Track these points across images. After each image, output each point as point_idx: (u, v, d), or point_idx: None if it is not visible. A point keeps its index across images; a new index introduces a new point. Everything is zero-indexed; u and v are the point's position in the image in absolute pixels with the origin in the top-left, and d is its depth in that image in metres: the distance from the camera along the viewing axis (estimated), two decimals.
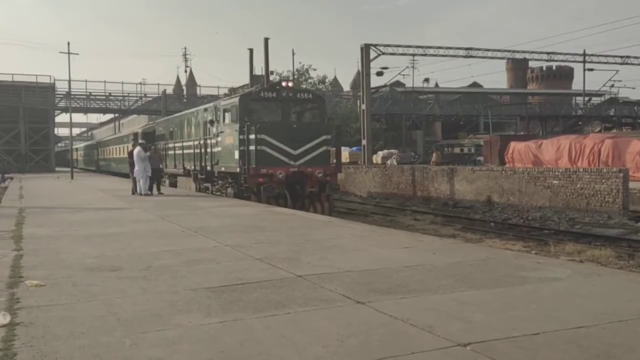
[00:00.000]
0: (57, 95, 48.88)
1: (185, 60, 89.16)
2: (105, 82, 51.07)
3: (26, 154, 47.60)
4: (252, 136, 15.14)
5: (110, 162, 41.41)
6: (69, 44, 33.45)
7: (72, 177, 31.54)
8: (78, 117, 74.05)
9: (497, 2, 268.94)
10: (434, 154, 34.05)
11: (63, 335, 3.74)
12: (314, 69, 62.92)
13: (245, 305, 4.45)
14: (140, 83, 53.59)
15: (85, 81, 49.70)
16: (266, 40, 21.30)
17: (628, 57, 43.78)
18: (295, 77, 48.48)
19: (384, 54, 34.22)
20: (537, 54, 42.02)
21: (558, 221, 17.03)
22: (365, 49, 32.97)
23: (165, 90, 47.87)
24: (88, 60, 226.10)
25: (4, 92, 46.36)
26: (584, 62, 47.13)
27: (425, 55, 37.01)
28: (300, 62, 75.20)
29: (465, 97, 66.70)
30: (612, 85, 61.20)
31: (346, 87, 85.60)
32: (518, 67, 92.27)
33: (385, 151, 42.75)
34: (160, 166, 19.78)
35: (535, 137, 39.31)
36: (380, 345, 3.51)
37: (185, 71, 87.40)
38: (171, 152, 22.93)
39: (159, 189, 18.23)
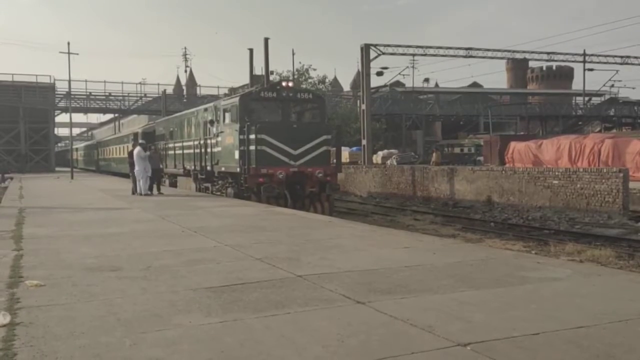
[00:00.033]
0: (57, 95, 48.87)
1: (185, 60, 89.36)
2: (105, 82, 51.17)
3: (26, 154, 47.60)
4: (252, 136, 15.14)
5: (110, 162, 41.42)
6: (69, 44, 33.50)
7: (72, 177, 31.54)
8: (78, 117, 74.16)
9: (497, 2, 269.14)
10: (434, 154, 34.04)
11: (63, 335, 3.74)
12: (314, 69, 63.01)
13: (245, 305, 4.45)
14: (140, 83, 53.66)
15: (85, 81, 49.79)
16: (266, 40, 21.31)
17: (628, 57, 43.80)
18: (295, 77, 48.49)
19: (384, 54, 34.23)
20: (537, 54, 42.03)
21: (558, 221, 17.03)
22: (365, 49, 32.97)
23: (165, 90, 47.89)
24: (88, 60, 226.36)
25: (4, 92, 46.36)
26: (584, 62, 47.14)
27: (425, 55, 37.02)
28: (300, 62, 75.35)
29: (465, 97, 66.70)
30: (612, 85, 61.28)
31: (346, 87, 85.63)
32: (518, 67, 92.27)
33: (385, 151, 42.75)
34: (160, 166, 19.78)
35: (535, 137, 39.31)
36: (380, 345, 3.51)
37: (185, 71, 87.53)
38: (171, 152, 22.92)
39: (159, 189, 18.23)
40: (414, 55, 39.52)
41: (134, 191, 17.50)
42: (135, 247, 7.33)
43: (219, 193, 17.81)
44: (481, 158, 37.83)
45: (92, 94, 50.82)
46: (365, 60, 32.95)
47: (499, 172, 21.89)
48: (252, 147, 15.12)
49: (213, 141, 17.64)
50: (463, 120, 61.57)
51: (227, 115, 16.69)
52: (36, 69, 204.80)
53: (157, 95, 50.50)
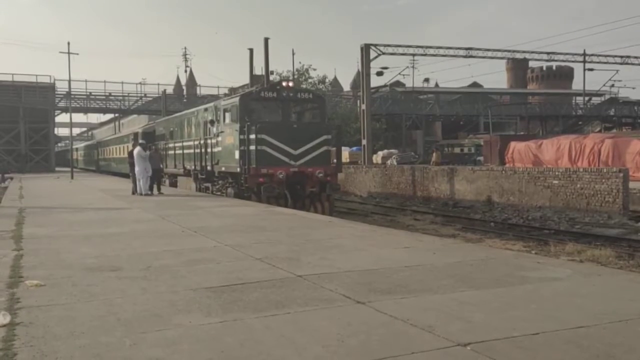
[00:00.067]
0: (57, 95, 48.86)
1: (185, 60, 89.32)
2: (105, 82, 51.12)
3: (26, 154, 47.60)
4: (253, 136, 15.14)
5: (110, 162, 41.42)
6: (69, 44, 33.49)
7: (72, 177, 31.54)
8: (78, 117, 74.12)
9: (497, 2, 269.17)
10: (434, 154, 34.04)
11: (63, 335, 3.74)
12: (314, 69, 63.02)
13: (245, 305, 4.45)
14: (140, 83, 53.64)
15: (85, 81, 49.75)
16: (266, 40, 21.31)
17: (628, 57, 43.79)
18: (295, 77, 48.50)
19: (384, 54, 34.23)
20: (537, 54, 42.02)
21: (558, 221, 17.03)
22: (365, 49, 32.97)
23: (165, 90, 47.87)
24: (88, 60, 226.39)
25: (4, 92, 46.36)
26: (584, 62, 47.14)
27: (425, 55, 37.02)
28: (300, 62, 75.39)
29: (465, 97, 66.69)
30: (612, 85, 61.31)
31: (346, 87, 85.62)
32: (518, 67, 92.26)
33: (385, 151, 42.74)
34: (161, 166, 19.78)
35: (535, 137, 39.31)
36: (380, 345, 3.51)
37: (185, 71, 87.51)
38: (171, 152, 22.92)
39: (159, 189, 18.23)
40: (414, 55, 39.55)
41: (134, 191, 17.50)
42: (135, 247, 7.33)
43: (219, 193, 17.81)
44: (481, 158, 37.82)
45: (92, 94, 50.81)
46: (365, 60, 32.95)
47: (499, 172, 21.89)
48: (253, 147, 15.12)
49: (213, 141, 17.64)
50: (463, 120, 61.55)
51: (228, 115, 16.69)
52: (36, 69, 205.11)
53: (157, 95, 50.49)
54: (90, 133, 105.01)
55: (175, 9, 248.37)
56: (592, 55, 45.80)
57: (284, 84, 17.23)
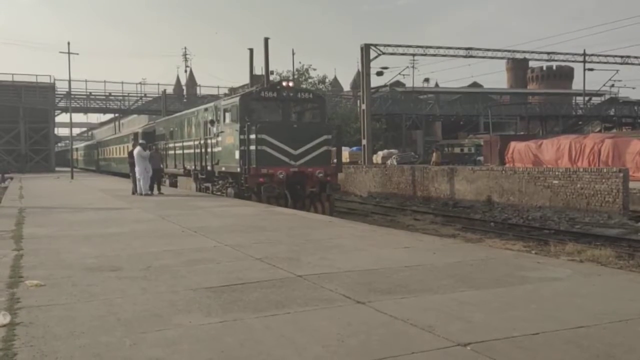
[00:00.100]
0: (57, 95, 48.87)
1: (185, 60, 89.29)
2: (105, 82, 51.13)
3: (26, 154, 47.61)
4: (253, 136, 15.14)
5: (110, 162, 41.43)
6: (69, 44, 33.48)
7: (72, 177, 31.54)
8: (78, 117, 74.19)
9: (497, 2, 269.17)
10: (434, 154, 34.04)
11: (63, 335, 3.74)
12: (314, 69, 63.03)
13: (245, 305, 4.45)
14: (140, 83, 53.65)
15: (85, 81, 49.76)
16: (266, 40, 21.31)
17: (628, 57, 43.77)
18: (295, 77, 48.51)
19: (384, 54, 34.22)
20: (537, 54, 42.01)
21: (558, 221, 17.03)
22: (365, 49, 32.97)
23: (165, 90, 47.87)
24: (88, 60, 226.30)
25: (4, 92, 46.37)
26: (584, 62, 47.13)
27: (425, 55, 37.01)
28: (300, 62, 75.42)
29: (465, 97, 66.70)
30: (612, 85, 61.30)
31: (346, 87, 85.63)
32: (518, 67, 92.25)
33: (385, 151, 42.75)
34: (161, 166, 19.78)
35: (535, 137, 39.31)
36: (380, 345, 3.51)
37: (185, 71, 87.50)
38: (171, 152, 22.92)
39: (159, 189, 18.23)
40: (414, 55, 39.54)
41: (134, 191, 17.50)
42: (136, 247, 7.34)
43: (219, 193, 17.81)
44: (481, 158, 37.83)
45: (92, 94, 50.82)
46: (365, 60, 32.95)
47: (499, 172, 21.90)
48: (253, 147, 15.12)
49: (213, 141, 17.64)
50: (463, 120, 61.57)
51: (228, 115, 16.69)
52: (36, 69, 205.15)
53: (157, 95, 50.50)
54: (90, 133, 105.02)
55: (175, 9, 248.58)
56: (592, 55, 45.81)
57: (284, 84, 17.23)
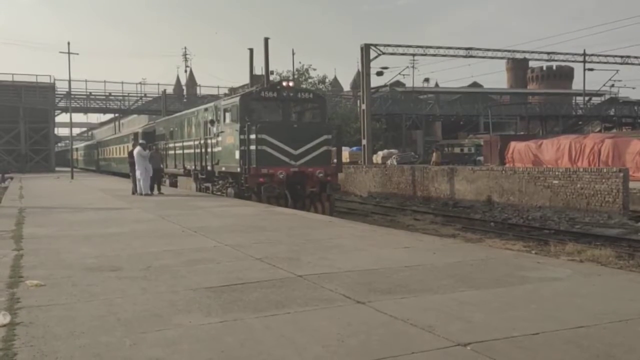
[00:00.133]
0: (57, 95, 48.89)
1: (185, 60, 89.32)
2: (105, 82, 51.16)
3: (26, 154, 47.61)
4: (253, 136, 15.14)
5: (110, 162, 41.43)
6: (69, 44, 33.50)
7: (72, 177, 31.55)
8: (78, 117, 74.15)
9: (497, 2, 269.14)
10: (434, 154, 34.04)
11: (63, 335, 3.74)
12: (314, 69, 62.98)
13: (246, 305, 4.45)
14: (140, 83, 53.66)
15: (85, 81, 49.78)
16: (266, 40, 21.29)
17: (628, 57, 43.77)
18: (295, 77, 48.48)
19: (384, 53, 34.22)
20: (537, 54, 42.00)
21: (558, 221, 17.03)
22: (365, 49, 32.97)
23: (165, 90, 47.86)
24: (88, 60, 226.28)
25: (4, 92, 46.37)
26: (584, 62, 47.13)
27: (425, 55, 37.00)
28: (300, 62, 75.39)
29: (465, 97, 66.73)
30: (612, 85, 61.31)
31: (346, 87, 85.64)
32: (518, 67, 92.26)
33: (385, 151, 42.75)
34: (161, 166, 19.79)
35: (535, 137, 39.30)
36: (380, 345, 3.51)
37: (185, 71, 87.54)
38: (171, 152, 22.93)
39: (159, 189, 18.23)
40: (414, 55, 39.53)
41: (134, 191, 17.51)
42: (135, 247, 7.34)
43: (219, 193, 17.81)
44: (481, 158, 37.82)
45: (92, 94, 50.83)
46: (365, 60, 32.95)
47: (499, 172, 21.90)
48: (253, 147, 15.12)
49: (213, 141, 17.64)
50: (463, 120, 61.58)
51: (228, 115, 16.69)
52: (36, 69, 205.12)
53: (157, 95, 50.50)
54: (90, 133, 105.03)
55: (175, 9, 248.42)
56: (592, 55, 45.81)
57: (284, 83, 17.22)
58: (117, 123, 68.24)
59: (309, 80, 51.33)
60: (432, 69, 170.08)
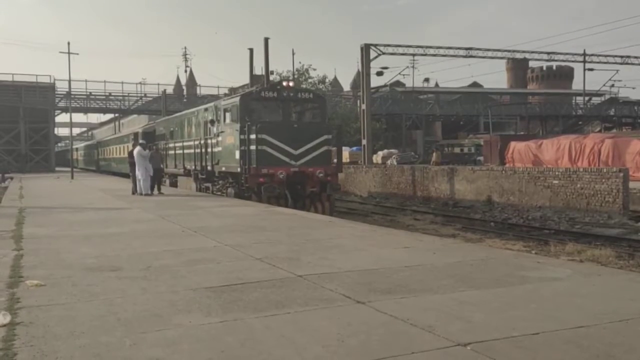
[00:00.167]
0: (57, 95, 48.89)
1: (185, 60, 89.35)
2: (105, 82, 51.17)
3: (26, 154, 47.62)
4: (253, 136, 15.14)
5: (110, 162, 41.43)
6: (69, 44, 33.47)
7: (72, 177, 31.55)
8: (78, 117, 74.11)
9: (497, 2, 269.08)
10: (434, 154, 34.07)
11: (63, 335, 3.75)
12: (314, 69, 62.96)
13: (246, 305, 4.45)
14: (140, 83, 53.67)
15: (85, 81, 49.79)
16: (266, 40, 21.30)
17: (628, 57, 43.77)
18: (295, 77, 48.47)
19: (384, 53, 34.22)
20: (537, 54, 41.99)
21: (558, 221, 17.03)
22: (365, 49, 32.97)
23: (165, 90, 47.88)
24: (88, 60, 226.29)
25: (4, 92, 46.37)
26: (584, 62, 47.14)
27: (425, 55, 37.01)
28: (300, 62, 75.38)
29: (465, 97, 66.74)
30: (612, 85, 61.32)
31: (346, 87, 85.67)
32: (518, 67, 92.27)
33: (385, 151, 42.78)
34: (161, 166, 19.79)
35: (535, 137, 39.31)
36: (381, 345, 3.51)
37: (185, 71, 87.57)
38: (171, 152, 22.93)
39: (159, 189, 18.23)
40: (414, 55, 39.53)
41: (134, 191, 17.51)
42: (136, 247, 7.34)
43: (219, 193, 17.81)
44: (481, 158, 37.84)
45: (92, 94, 50.84)
46: (365, 60, 32.95)
47: (499, 172, 21.90)
48: (253, 147, 15.12)
49: (213, 141, 17.64)
50: (463, 120, 61.60)
51: (228, 115, 16.69)
52: (36, 69, 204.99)
53: (157, 95, 50.51)
54: (90, 133, 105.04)
55: (175, 9, 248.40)
56: (592, 55, 45.81)
57: (284, 83, 17.23)
58: (117, 123, 68.25)
59: (309, 80, 51.32)
60: (432, 69, 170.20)
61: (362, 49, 33.04)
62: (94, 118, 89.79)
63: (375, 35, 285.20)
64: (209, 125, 18.04)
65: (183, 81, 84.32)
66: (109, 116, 74.52)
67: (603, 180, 17.52)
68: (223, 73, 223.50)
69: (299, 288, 5.01)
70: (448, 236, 13.23)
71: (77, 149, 64.95)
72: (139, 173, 17.14)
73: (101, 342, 3.60)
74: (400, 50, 35.28)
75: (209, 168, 18.01)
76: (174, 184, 22.93)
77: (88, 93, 50.53)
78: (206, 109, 18.91)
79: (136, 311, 4.31)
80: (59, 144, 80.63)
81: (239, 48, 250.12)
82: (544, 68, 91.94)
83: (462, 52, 37.77)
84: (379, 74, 43.50)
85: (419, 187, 25.46)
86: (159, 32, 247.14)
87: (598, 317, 4.01)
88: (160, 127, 26.67)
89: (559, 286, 5.04)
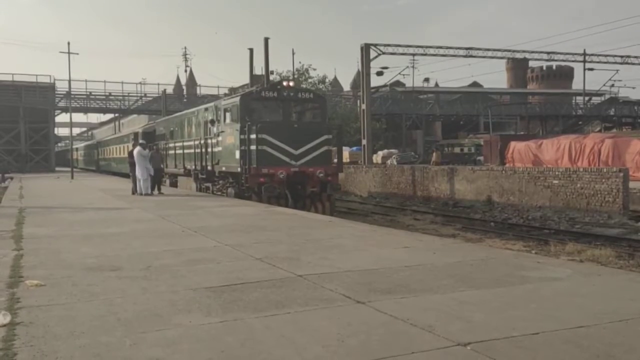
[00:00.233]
0: (57, 95, 48.91)
1: (185, 60, 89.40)
2: (105, 82, 51.19)
3: (26, 154, 47.63)
4: (253, 136, 15.14)
5: (110, 162, 41.44)
6: (69, 44, 33.50)
7: (72, 177, 31.56)
8: (78, 117, 74.20)
9: (497, 2, 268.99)
10: (434, 154, 34.06)
11: (63, 335, 3.75)
12: (314, 69, 62.91)
13: (246, 305, 4.45)
14: (140, 83, 53.67)
15: (85, 81, 49.82)
16: (266, 40, 21.30)
17: (628, 56, 43.75)
18: (295, 77, 48.46)
19: (384, 53, 34.22)
20: (537, 54, 41.97)
21: (558, 221, 17.03)
22: (365, 48, 32.97)
23: (165, 90, 47.85)
24: (88, 60, 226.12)
25: (4, 92, 46.39)
26: (584, 61, 47.12)
27: (425, 55, 36.99)
28: (300, 62, 75.32)
29: (465, 96, 66.74)
30: (612, 85, 61.23)
31: (346, 87, 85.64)
32: (518, 66, 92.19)
33: (386, 151, 42.79)
34: (161, 166, 19.79)
35: (535, 136, 39.29)
36: (380, 345, 3.51)
37: (185, 71, 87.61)
38: (172, 151, 22.93)
39: (159, 189, 18.23)
40: (414, 55, 39.49)
41: (134, 191, 17.51)
42: (136, 247, 7.34)
43: (219, 193, 17.81)
44: (481, 158, 37.82)
45: (92, 93, 50.86)
46: (365, 60, 32.95)
47: (499, 171, 21.90)
48: (253, 147, 15.12)
49: (214, 141, 17.64)
50: (463, 120, 61.58)
51: (228, 115, 16.69)
52: (36, 69, 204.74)
53: (157, 95, 50.51)
54: (90, 133, 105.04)
55: (175, 9, 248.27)
56: (592, 55, 45.79)
57: (284, 83, 17.23)
58: (117, 123, 68.26)
59: (309, 80, 51.29)
60: (432, 68, 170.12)
61: (362, 48, 33.04)
62: (94, 118, 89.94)
63: (375, 35, 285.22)
64: (209, 125, 18.04)
65: (183, 81, 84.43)
66: (109, 116, 74.52)
67: (603, 180, 17.51)
68: (223, 73, 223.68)
69: (299, 288, 5.01)
70: (448, 236, 13.23)
71: (77, 149, 64.97)
72: (139, 173, 17.15)
73: (101, 342, 3.60)
74: (400, 50, 35.27)
75: (209, 168, 18.01)
76: (174, 184, 22.93)
77: (88, 93, 50.56)
78: (206, 109, 18.91)
79: (136, 311, 4.31)
80: (59, 144, 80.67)
81: (239, 48, 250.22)
82: (544, 68, 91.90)
83: (462, 52, 37.76)
84: (379, 73, 43.47)
85: (419, 187, 25.46)
86: (159, 32, 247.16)
87: (598, 317, 4.01)
88: (160, 127, 26.67)
89: (559, 286, 5.04)
